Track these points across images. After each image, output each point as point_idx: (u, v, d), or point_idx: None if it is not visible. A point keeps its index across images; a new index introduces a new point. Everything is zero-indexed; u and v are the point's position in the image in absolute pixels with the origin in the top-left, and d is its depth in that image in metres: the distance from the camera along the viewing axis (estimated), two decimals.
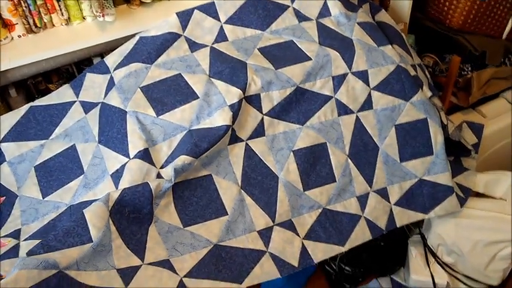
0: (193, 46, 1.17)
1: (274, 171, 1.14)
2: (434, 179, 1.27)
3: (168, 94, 1.08)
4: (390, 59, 1.23)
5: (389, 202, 1.25)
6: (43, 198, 1.07)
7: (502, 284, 1.39)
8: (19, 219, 1.06)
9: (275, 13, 1.24)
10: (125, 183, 0.99)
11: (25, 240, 0.99)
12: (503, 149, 1.63)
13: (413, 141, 1.25)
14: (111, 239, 0.92)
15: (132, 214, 0.97)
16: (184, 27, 1.18)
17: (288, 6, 1.26)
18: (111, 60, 1.15)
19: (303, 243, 1.13)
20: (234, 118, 1.08)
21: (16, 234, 1.02)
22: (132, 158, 1.02)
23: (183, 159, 1.01)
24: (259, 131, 1.12)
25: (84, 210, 0.91)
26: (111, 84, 1.12)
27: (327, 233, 1.16)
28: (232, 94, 1.08)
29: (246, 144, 1.12)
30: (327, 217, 1.17)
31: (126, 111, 1.07)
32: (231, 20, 1.21)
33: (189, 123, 1.07)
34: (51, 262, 0.82)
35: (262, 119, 1.12)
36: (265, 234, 1.10)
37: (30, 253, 0.85)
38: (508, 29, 1.64)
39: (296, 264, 1.10)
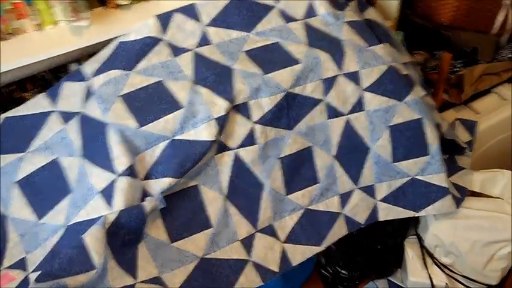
0: (176, 51, 1.11)
1: (260, 180, 1.11)
2: (428, 179, 1.24)
3: (150, 103, 1.02)
4: (382, 59, 1.19)
5: (374, 198, 1.23)
6: (39, 220, 1.02)
7: (501, 283, 1.37)
8: (21, 246, 1.01)
9: (260, 14, 1.19)
10: (119, 204, 0.95)
11: (33, 271, 0.98)
12: (498, 145, 1.60)
13: (407, 142, 1.21)
14: (107, 261, 0.92)
15: (127, 236, 0.96)
16: (164, 30, 1.12)
17: (273, 7, 1.20)
18: (88, 67, 1.09)
19: (283, 247, 1.13)
20: (221, 131, 1.03)
21: (23, 265, 1.00)
22: (121, 175, 0.97)
23: (168, 182, 0.98)
24: (250, 140, 1.08)
25: (83, 236, 0.91)
26: (89, 92, 1.06)
27: (307, 235, 1.16)
28: (219, 106, 1.02)
29: (235, 153, 1.08)
30: (308, 218, 1.17)
31: (106, 124, 1.01)
32: (214, 22, 1.15)
33: (173, 133, 1.01)
34: (61, 284, 0.86)
35: (253, 127, 1.07)
36: (248, 243, 1.10)
37: (38, 280, 0.87)
38: (498, 24, 1.61)
39: (277, 270, 1.11)
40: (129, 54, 1.08)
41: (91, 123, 1.03)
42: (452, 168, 1.37)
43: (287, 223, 1.16)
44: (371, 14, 1.37)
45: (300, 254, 1.14)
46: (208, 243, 1.06)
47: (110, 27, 1.14)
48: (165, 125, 1.00)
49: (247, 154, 1.08)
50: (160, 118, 1.01)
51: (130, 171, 0.97)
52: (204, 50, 1.12)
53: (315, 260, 1.42)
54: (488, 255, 1.29)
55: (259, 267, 1.09)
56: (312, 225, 1.18)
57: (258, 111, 1.07)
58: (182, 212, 1.04)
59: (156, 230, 1.01)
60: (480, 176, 1.37)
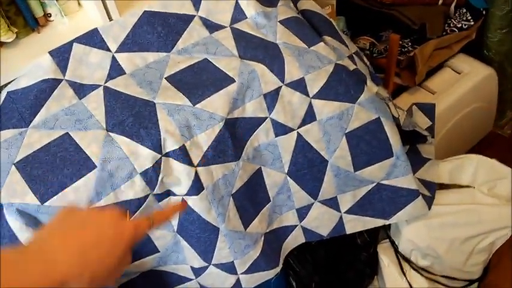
0: (81, 90, 0.90)
1: (215, 225, 0.95)
2: (395, 182, 1.13)
3: (53, 168, 0.81)
4: (326, 59, 1.03)
5: (339, 211, 1.13)
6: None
7: (483, 274, 1.30)
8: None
9: (179, 27, 1.00)
10: None
11: None
12: (459, 125, 1.51)
13: (368, 147, 1.08)
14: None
15: None
16: (63, 68, 0.91)
17: (193, 16, 1.01)
18: None
19: (238, 279, 1.05)
20: (152, 184, 0.85)
21: None
22: None
23: None
24: (196, 187, 0.90)
25: None
26: None
27: (267, 261, 1.08)
28: (144, 158, 0.84)
29: (183, 200, 0.92)
30: (268, 241, 1.08)
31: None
32: (124, 47, 0.95)
33: (87, 203, 0.81)
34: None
35: (196, 171, 0.89)
36: (198, 272, 1.04)
37: None
38: None
39: None
40: (22, 107, 0.87)
41: None
42: (416, 161, 1.26)
43: (250, 257, 1.05)
44: (306, 3, 1.20)
45: (255, 281, 1.08)
46: (155, 263, 1.02)
47: None
48: (76, 194, 0.81)
49: (196, 203, 0.91)
50: (67, 187, 0.81)
51: None
52: (117, 83, 0.92)
53: (285, 285, 1.30)
54: (468, 251, 1.22)
55: None
56: (270, 246, 1.10)
57: (196, 152, 0.89)
58: None
59: None
60: (447, 166, 1.28)
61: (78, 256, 0.50)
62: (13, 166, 0.82)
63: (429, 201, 1.18)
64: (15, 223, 0.78)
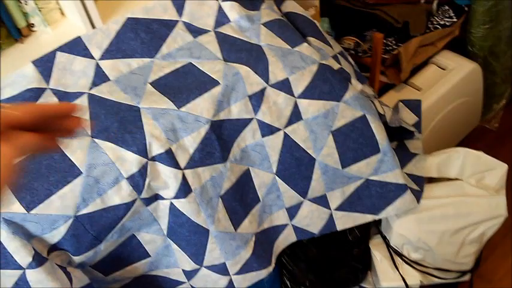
0: (65, 98, 0.91)
1: (204, 227, 0.96)
2: (382, 178, 1.14)
3: (39, 176, 0.82)
4: (310, 59, 1.04)
5: (329, 208, 1.14)
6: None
7: (475, 265, 1.30)
8: None
9: (162, 33, 1.00)
10: None
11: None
12: (446, 120, 1.52)
13: (354, 144, 1.09)
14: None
15: None
16: (47, 77, 0.91)
17: (176, 21, 1.02)
18: None
19: (231, 280, 1.05)
20: (139, 189, 0.86)
21: None
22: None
23: (83, 258, 0.84)
24: (183, 190, 0.90)
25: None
26: None
27: (259, 261, 1.07)
28: (129, 163, 0.84)
29: (171, 203, 0.92)
30: (260, 241, 1.08)
31: None
32: (108, 54, 0.96)
33: (74, 210, 0.82)
34: None
35: (183, 174, 0.90)
36: (190, 275, 1.04)
37: None
38: None
39: None
40: None
41: None
42: (404, 157, 1.28)
43: (241, 257, 1.05)
44: (289, 6, 1.22)
45: (247, 281, 1.08)
46: (147, 268, 1.03)
47: None
48: (62, 201, 0.81)
49: (184, 206, 0.92)
50: (52, 195, 0.81)
51: None
52: (101, 90, 0.93)
53: (279, 285, 1.30)
54: (459, 242, 1.22)
55: None
56: (262, 246, 1.10)
57: (183, 155, 0.90)
58: (117, 259, 0.96)
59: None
60: (435, 160, 1.29)
61: None
62: None
63: (418, 195, 1.18)
64: (1, 232, 0.79)
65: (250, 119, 0.99)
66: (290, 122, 1.03)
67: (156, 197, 0.91)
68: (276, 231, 1.14)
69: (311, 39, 1.12)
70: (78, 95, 0.92)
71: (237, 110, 0.97)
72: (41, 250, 0.83)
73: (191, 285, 1.06)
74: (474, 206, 1.19)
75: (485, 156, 1.26)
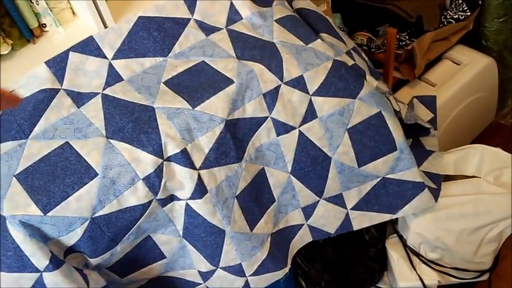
0: (79, 99, 0.90)
1: (220, 227, 0.95)
2: (400, 176, 1.12)
3: (55, 177, 0.81)
4: (324, 56, 1.02)
5: (345, 208, 1.13)
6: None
7: (493, 264, 1.28)
8: None
9: (174, 31, 0.99)
10: None
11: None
12: (461, 116, 1.50)
13: (371, 141, 1.07)
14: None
15: None
16: (60, 77, 0.90)
17: (189, 19, 1.01)
18: None
19: (247, 281, 1.03)
20: (155, 190, 0.85)
21: None
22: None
23: (100, 260, 0.83)
24: (199, 190, 0.89)
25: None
26: None
27: (275, 262, 1.06)
28: (145, 163, 0.83)
29: (187, 204, 0.91)
30: (275, 241, 1.07)
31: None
32: (120, 53, 0.95)
33: (90, 211, 0.81)
34: None
35: (199, 174, 0.89)
36: (206, 276, 1.04)
37: None
38: None
39: None
40: (21, 118, 0.86)
41: None
42: (420, 154, 1.26)
43: (257, 259, 1.04)
44: (301, 2, 1.20)
45: (264, 282, 1.07)
46: (163, 269, 1.03)
47: None
48: (78, 204, 0.80)
49: (200, 207, 0.91)
50: (69, 196, 0.80)
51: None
52: (115, 90, 0.92)
53: (294, 285, 1.29)
54: (477, 241, 1.20)
55: None
56: (278, 247, 1.09)
57: (198, 155, 0.88)
58: (133, 260, 0.95)
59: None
60: (452, 157, 1.26)
61: None
62: (14, 178, 0.81)
63: (435, 194, 1.16)
64: (18, 235, 0.78)
65: (265, 118, 0.98)
66: (305, 120, 1.01)
67: (172, 198, 0.90)
68: (291, 231, 1.13)
69: (324, 35, 1.10)
70: (92, 95, 0.91)
71: (252, 108, 0.96)
72: (57, 252, 0.82)
73: (207, 287, 1.06)
74: (492, 204, 1.16)
75: (502, 153, 1.23)
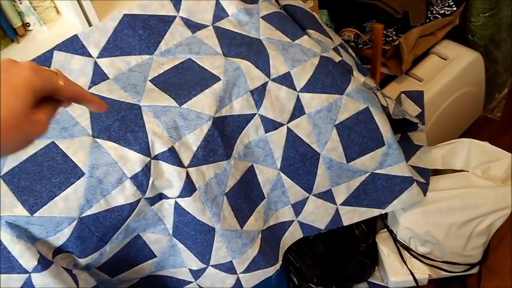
0: None
1: (210, 225, 0.94)
2: (388, 171, 1.12)
3: (41, 178, 0.80)
4: (311, 52, 1.02)
5: (334, 203, 1.13)
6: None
7: (483, 257, 1.29)
8: None
9: (160, 29, 0.98)
10: None
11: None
12: (448, 110, 1.51)
13: (359, 137, 1.07)
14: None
15: None
16: None
17: (175, 17, 1.00)
18: None
19: (238, 278, 1.03)
20: (143, 188, 0.84)
21: None
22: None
23: (89, 260, 0.82)
24: (188, 188, 0.88)
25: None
26: None
27: (266, 258, 1.06)
28: (132, 162, 0.82)
29: (176, 202, 0.90)
30: (266, 238, 1.07)
31: None
32: (106, 52, 0.94)
33: (78, 211, 0.80)
34: None
35: (187, 172, 0.88)
36: (197, 274, 1.03)
37: None
38: None
39: None
40: None
41: None
42: (408, 149, 1.26)
43: (248, 256, 1.03)
44: None
45: (255, 279, 1.06)
46: (153, 268, 1.02)
47: None
48: (66, 203, 0.79)
49: (189, 205, 0.90)
50: (56, 196, 0.79)
51: None
52: (100, 89, 0.91)
53: (286, 282, 1.28)
54: (466, 235, 1.21)
55: None
56: (269, 244, 1.08)
57: (186, 153, 0.88)
58: (123, 260, 0.94)
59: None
60: (440, 151, 1.27)
61: None
62: (0, 179, 0.80)
63: (424, 188, 1.17)
64: (5, 236, 0.77)
65: (253, 115, 0.98)
66: (293, 116, 1.01)
67: (161, 197, 0.89)
68: (282, 228, 1.12)
69: (311, 31, 1.10)
70: None
71: (239, 105, 0.95)
72: (46, 253, 0.81)
73: (198, 285, 1.05)
74: (481, 197, 1.17)
75: (490, 147, 1.24)
